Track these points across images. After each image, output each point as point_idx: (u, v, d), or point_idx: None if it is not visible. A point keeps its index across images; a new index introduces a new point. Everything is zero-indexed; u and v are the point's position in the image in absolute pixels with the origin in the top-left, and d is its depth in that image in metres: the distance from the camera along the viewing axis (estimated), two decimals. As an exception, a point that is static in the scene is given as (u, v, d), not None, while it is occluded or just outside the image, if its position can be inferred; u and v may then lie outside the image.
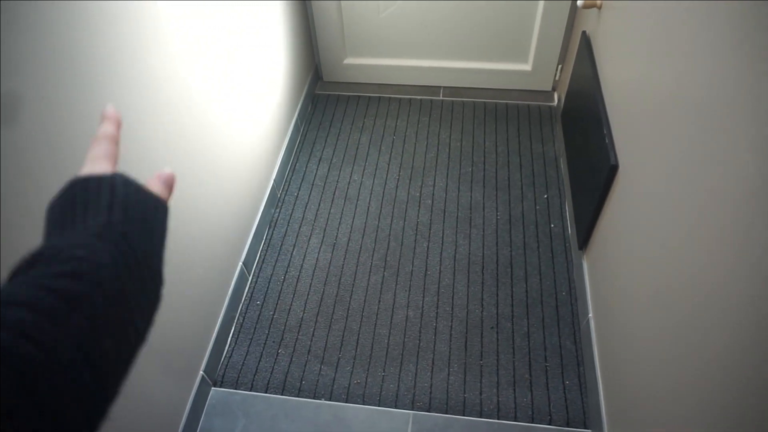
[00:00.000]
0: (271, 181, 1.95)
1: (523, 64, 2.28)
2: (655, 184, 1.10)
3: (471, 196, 1.97)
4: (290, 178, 2.07)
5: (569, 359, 1.54)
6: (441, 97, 2.35)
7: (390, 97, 2.37)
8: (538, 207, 1.93)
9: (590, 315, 1.53)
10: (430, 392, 1.49)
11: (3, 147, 0.78)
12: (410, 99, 2.36)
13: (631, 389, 1.18)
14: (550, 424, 1.41)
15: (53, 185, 0.86)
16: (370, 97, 2.38)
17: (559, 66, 2.24)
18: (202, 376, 1.47)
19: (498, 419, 1.43)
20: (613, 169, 1.41)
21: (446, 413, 1.45)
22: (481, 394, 1.48)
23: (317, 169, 2.10)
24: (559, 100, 2.26)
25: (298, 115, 2.22)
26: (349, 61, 2.36)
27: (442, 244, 1.84)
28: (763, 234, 0.70)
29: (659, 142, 1.09)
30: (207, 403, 1.49)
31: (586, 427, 1.40)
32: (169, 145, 1.22)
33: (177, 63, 1.23)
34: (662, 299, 1.03)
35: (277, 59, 1.95)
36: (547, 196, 1.96)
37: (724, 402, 0.77)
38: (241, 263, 1.71)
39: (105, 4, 0.97)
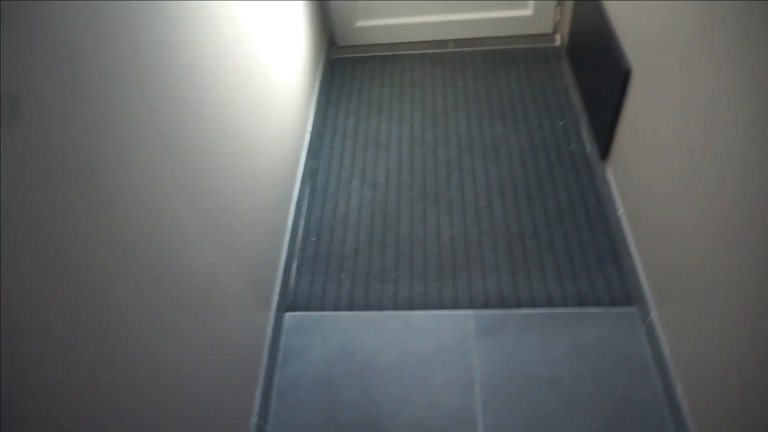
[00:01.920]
0: (307, 135, 2.09)
1: (524, 10, 2.44)
2: (669, 83, 1.26)
3: (493, 131, 2.13)
4: (323, 132, 2.21)
5: (606, 253, 1.70)
6: (451, 49, 2.50)
7: (403, 54, 2.51)
8: (556, 133, 2.09)
9: (620, 212, 1.69)
10: (486, 294, 1.64)
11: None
12: (422, 53, 2.51)
13: (669, 264, 1.34)
14: (598, 306, 1.57)
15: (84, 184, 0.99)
16: (384, 56, 2.52)
17: (558, 7, 2.40)
18: (277, 301, 1.61)
19: (551, 308, 1.59)
20: (627, 74, 1.57)
21: (503, 308, 1.60)
22: (531, 290, 1.64)
23: (346, 122, 2.24)
24: (562, 39, 2.42)
25: (322, 78, 2.36)
26: (361, 23, 2.51)
27: (474, 173, 1.99)
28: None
29: (670, 43, 1.25)
30: (284, 325, 1.63)
31: (630, 304, 1.56)
32: (234, 89, 1.36)
33: (241, 23, 1.37)
34: (688, 178, 1.18)
35: (299, 26, 2.09)
36: (563, 123, 2.12)
37: (755, 262, 0.92)
38: (293, 205, 1.85)
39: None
